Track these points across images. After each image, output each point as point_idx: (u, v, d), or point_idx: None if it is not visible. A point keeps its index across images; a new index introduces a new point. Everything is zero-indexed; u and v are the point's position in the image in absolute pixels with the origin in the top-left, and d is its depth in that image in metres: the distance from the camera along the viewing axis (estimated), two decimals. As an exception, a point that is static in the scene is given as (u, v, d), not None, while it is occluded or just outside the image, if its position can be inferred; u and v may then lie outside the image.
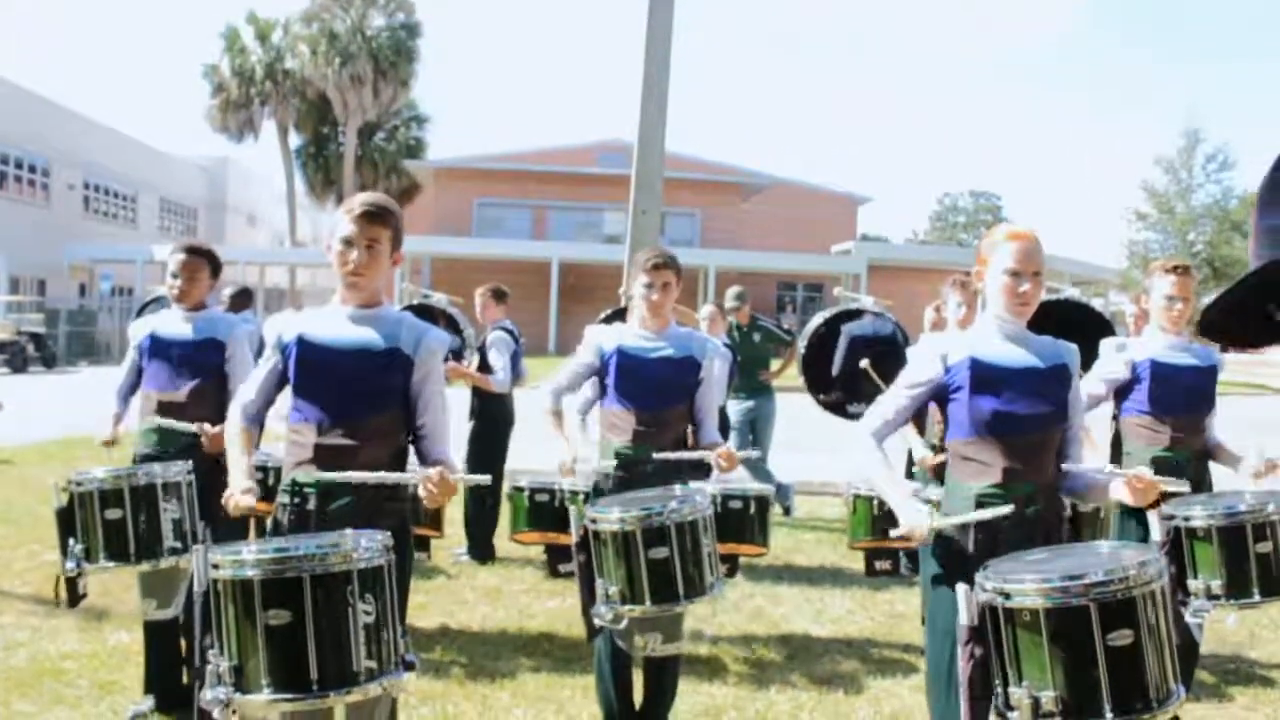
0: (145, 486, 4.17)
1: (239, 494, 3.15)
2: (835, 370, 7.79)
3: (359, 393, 3.19)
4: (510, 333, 7.63)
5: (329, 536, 2.85)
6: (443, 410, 3.32)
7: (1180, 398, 4.47)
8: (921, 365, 3.21)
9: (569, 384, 4.43)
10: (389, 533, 2.89)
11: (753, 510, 6.05)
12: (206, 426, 4.35)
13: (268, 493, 4.66)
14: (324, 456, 3.17)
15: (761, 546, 6.22)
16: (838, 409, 7.98)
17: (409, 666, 2.83)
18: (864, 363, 7.30)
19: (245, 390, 3.39)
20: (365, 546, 2.74)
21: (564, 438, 4.44)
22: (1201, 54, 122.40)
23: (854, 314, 7.99)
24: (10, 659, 5.03)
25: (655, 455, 4.20)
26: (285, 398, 3.34)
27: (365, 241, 3.17)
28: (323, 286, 45.81)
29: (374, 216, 3.18)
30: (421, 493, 3.07)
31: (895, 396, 3.25)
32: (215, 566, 2.67)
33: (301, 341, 3.23)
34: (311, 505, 3.16)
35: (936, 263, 36.95)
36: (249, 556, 2.65)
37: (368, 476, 3.06)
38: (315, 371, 3.21)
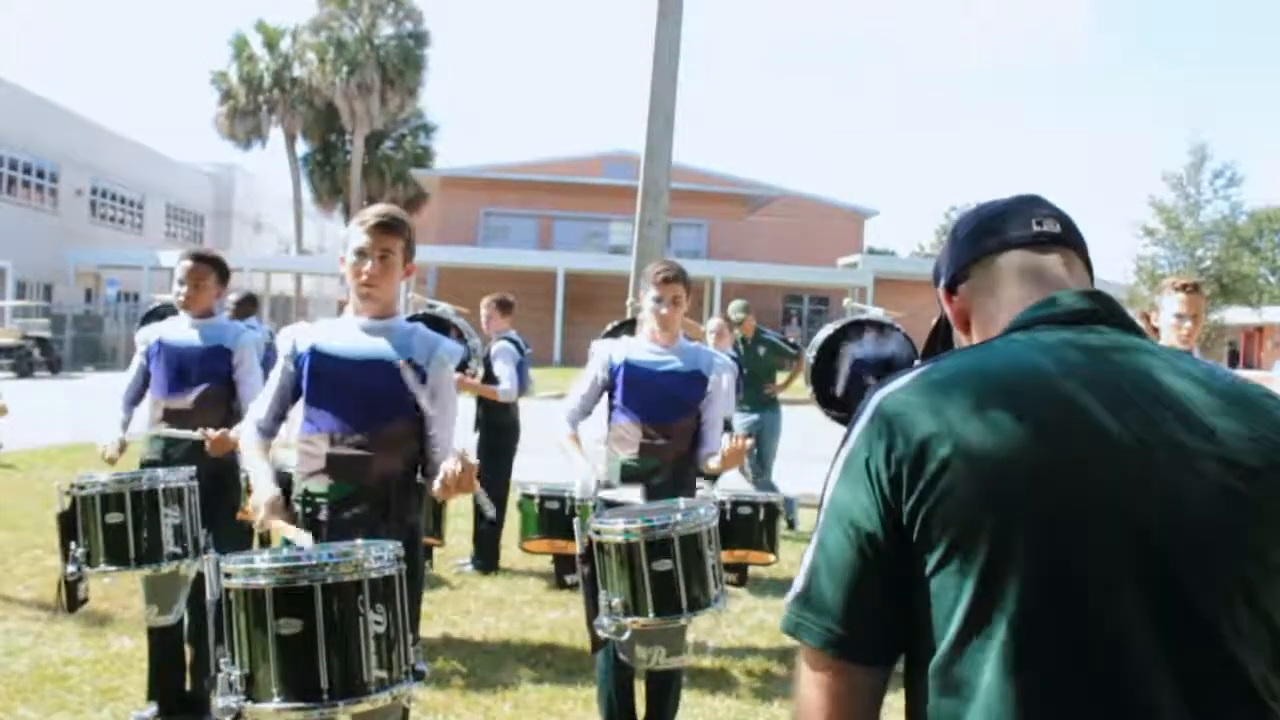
0: (147, 492, 4.18)
1: (265, 507, 3.11)
2: (839, 391, 7.79)
3: (371, 403, 3.20)
4: (515, 343, 7.62)
5: (340, 546, 2.86)
6: (453, 422, 3.34)
7: None
8: None
9: (582, 406, 4.37)
10: (400, 543, 2.88)
11: (762, 517, 6.04)
12: (210, 431, 4.34)
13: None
14: (337, 467, 3.18)
15: (769, 554, 6.21)
16: (845, 421, 7.96)
17: (419, 676, 2.82)
18: (871, 381, 7.30)
19: (257, 406, 3.40)
20: (377, 556, 2.74)
21: (582, 458, 4.30)
22: (1206, 62, 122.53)
23: (858, 330, 7.97)
24: (13, 664, 5.02)
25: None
26: (297, 409, 3.35)
27: (378, 253, 3.19)
28: (329, 294, 45.93)
29: (387, 228, 3.20)
30: (441, 476, 3.05)
31: None
32: (227, 575, 2.67)
33: (315, 352, 3.25)
34: (323, 515, 3.17)
35: (942, 276, 36.84)
36: (261, 565, 2.66)
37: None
38: (328, 382, 3.22)
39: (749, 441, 4.19)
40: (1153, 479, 1.23)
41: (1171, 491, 1.23)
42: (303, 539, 2.94)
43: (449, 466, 3.04)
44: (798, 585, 1.34)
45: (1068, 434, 1.25)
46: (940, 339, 1.63)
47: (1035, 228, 1.47)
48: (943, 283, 1.56)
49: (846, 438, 1.36)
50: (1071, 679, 1.19)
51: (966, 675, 1.22)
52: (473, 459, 3.09)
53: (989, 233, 1.50)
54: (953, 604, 1.23)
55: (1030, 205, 1.51)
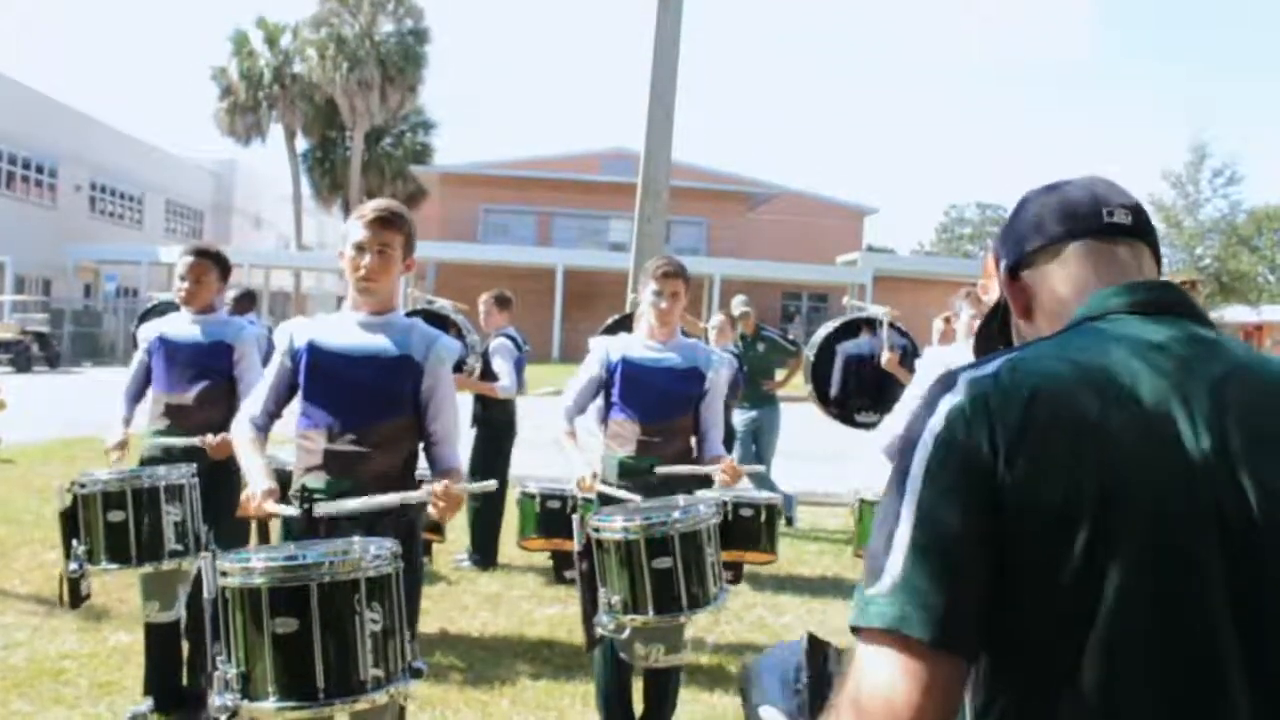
0: (148, 489, 4.18)
1: (260, 496, 3.11)
2: (833, 391, 7.87)
3: (369, 399, 3.20)
4: (514, 340, 7.62)
5: (337, 544, 2.84)
6: (454, 416, 3.33)
7: None
8: (932, 378, 3.22)
9: (578, 403, 4.38)
10: (397, 540, 2.88)
11: (763, 518, 6.06)
12: (209, 437, 4.34)
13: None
14: (334, 463, 3.18)
15: (769, 554, 6.21)
16: (845, 419, 8.01)
17: (416, 673, 2.82)
18: (864, 371, 7.40)
19: (252, 401, 3.39)
20: (374, 555, 2.73)
21: (579, 453, 4.32)
22: (1207, 59, 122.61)
23: (852, 330, 8.04)
24: (9, 658, 5.02)
25: (659, 470, 4.17)
26: (294, 404, 3.35)
27: (377, 247, 3.18)
28: (328, 291, 45.89)
29: (387, 222, 3.19)
30: (430, 509, 3.07)
31: (906, 412, 3.26)
32: (224, 574, 2.66)
33: (312, 348, 3.24)
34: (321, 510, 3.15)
35: (942, 274, 36.88)
36: (257, 565, 2.65)
37: (371, 503, 3.05)
38: (326, 378, 3.22)
39: (744, 468, 4.28)
40: (1230, 468, 1.25)
41: (1248, 482, 1.25)
42: (291, 511, 2.93)
43: (437, 497, 3.06)
44: (893, 573, 1.24)
45: (1157, 425, 1.26)
46: (997, 322, 1.62)
47: (1106, 219, 1.45)
48: (1004, 265, 1.53)
49: (921, 425, 1.31)
50: (1164, 666, 1.21)
51: (1060, 658, 1.23)
52: (456, 488, 3.10)
53: (1058, 220, 1.47)
54: (1047, 592, 1.23)
55: (1103, 193, 1.48)
